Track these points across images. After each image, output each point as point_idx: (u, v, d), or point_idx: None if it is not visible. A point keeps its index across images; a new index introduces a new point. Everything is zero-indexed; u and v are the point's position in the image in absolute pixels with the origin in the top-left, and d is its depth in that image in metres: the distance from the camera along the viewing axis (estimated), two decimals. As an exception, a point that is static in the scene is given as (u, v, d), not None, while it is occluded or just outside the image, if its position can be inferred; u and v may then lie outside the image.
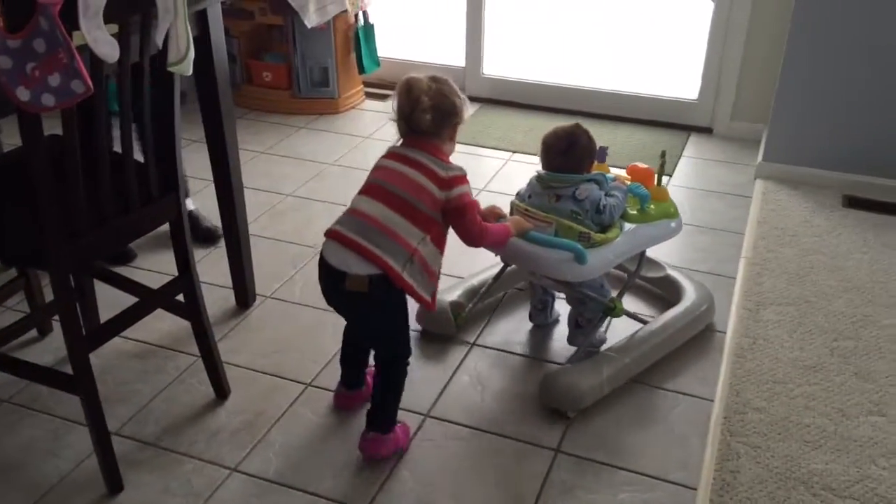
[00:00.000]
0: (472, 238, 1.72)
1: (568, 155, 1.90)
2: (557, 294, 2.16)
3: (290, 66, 3.56)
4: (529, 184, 1.97)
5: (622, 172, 2.11)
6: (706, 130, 3.47)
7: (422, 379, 1.97)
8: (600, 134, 3.34)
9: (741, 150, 3.27)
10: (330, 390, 1.93)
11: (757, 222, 2.72)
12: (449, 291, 2.18)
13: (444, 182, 1.63)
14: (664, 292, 2.30)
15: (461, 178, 1.65)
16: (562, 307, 2.17)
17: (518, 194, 2.00)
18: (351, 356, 1.88)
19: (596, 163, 2.01)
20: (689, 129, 3.48)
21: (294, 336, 2.13)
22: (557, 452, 1.76)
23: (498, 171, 3.11)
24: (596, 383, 1.87)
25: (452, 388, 1.95)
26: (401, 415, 1.80)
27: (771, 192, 2.92)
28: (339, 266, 1.61)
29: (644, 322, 2.10)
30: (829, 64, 2.79)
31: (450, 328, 2.12)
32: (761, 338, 2.13)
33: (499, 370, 2.03)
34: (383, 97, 3.84)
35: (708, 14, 3.30)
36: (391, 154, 1.73)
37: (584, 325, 2.01)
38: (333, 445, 1.78)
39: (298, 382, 1.96)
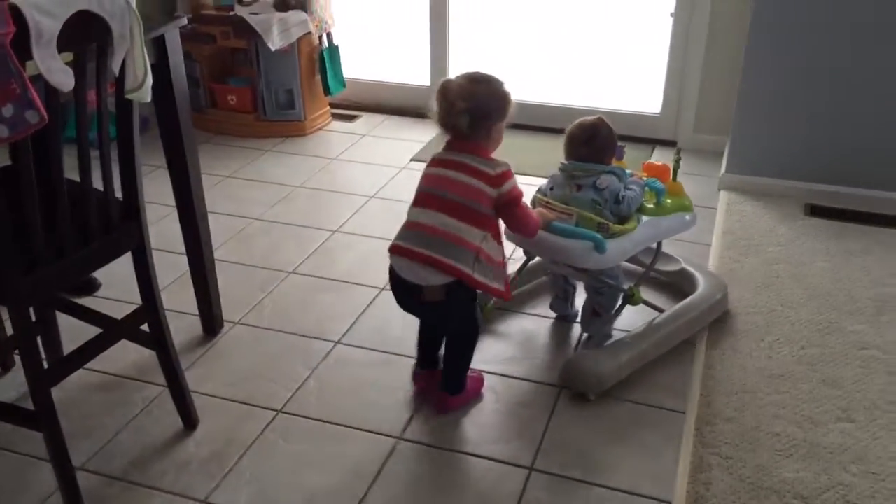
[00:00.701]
0: (527, 226, 1.83)
1: (590, 145, 2.00)
2: (578, 284, 2.26)
3: (254, 90, 3.55)
4: (552, 177, 2.06)
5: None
6: (670, 143, 3.51)
7: (394, 402, 1.95)
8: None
9: (705, 162, 3.31)
10: (301, 416, 1.91)
11: (722, 233, 2.75)
12: None
13: (494, 179, 1.72)
14: (681, 284, 2.38)
15: (508, 172, 1.74)
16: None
17: (539, 189, 2.08)
18: (428, 340, 1.98)
19: (615, 160, 2.09)
20: (654, 142, 3.52)
21: (263, 362, 2.10)
22: (531, 471, 1.76)
23: (466, 189, 3.11)
24: (615, 367, 1.97)
25: (424, 410, 1.93)
26: (370, 439, 1.78)
27: (735, 202, 2.96)
28: (415, 281, 1.73)
29: (660, 310, 2.18)
30: (786, 76, 2.84)
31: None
32: (730, 348, 2.15)
33: (471, 389, 2.02)
34: (350, 118, 3.84)
35: (668, 28, 3.36)
36: (436, 161, 1.81)
37: (602, 314, 2.10)
38: (305, 473, 1.75)
39: (269, 409, 1.93)
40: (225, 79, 3.63)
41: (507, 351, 2.16)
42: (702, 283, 2.29)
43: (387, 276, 2.19)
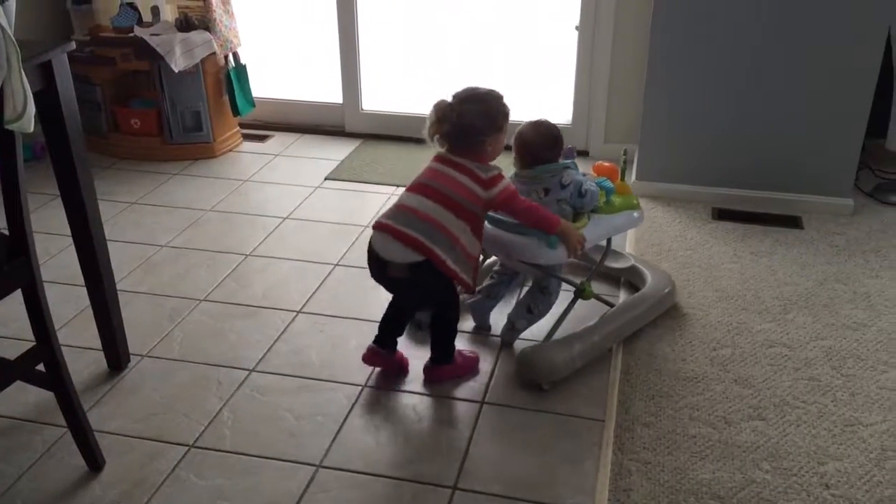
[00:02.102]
0: (529, 213, 1.93)
1: (553, 149, 2.10)
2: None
3: (159, 112, 3.44)
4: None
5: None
6: (583, 153, 3.57)
7: (313, 429, 1.90)
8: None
9: (616, 171, 3.37)
10: (215, 450, 1.83)
11: (635, 240, 2.80)
12: None
13: (485, 182, 1.90)
14: (632, 280, 2.47)
15: (499, 176, 1.91)
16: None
17: None
18: (390, 318, 2.07)
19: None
20: (566, 152, 3.56)
21: (173, 396, 2.02)
22: (455, 490, 1.73)
23: (383, 205, 3.08)
24: (568, 357, 2.04)
25: (344, 435, 1.89)
26: (288, 468, 1.73)
27: (646, 209, 3.02)
28: (383, 255, 1.89)
29: (611, 305, 2.27)
30: (688, 85, 2.93)
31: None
32: (646, 353, 2.18)
33: (391, 409, 1.98)
34: (262, 138, 3.77)
35: (574, 41, 3.42)
36: (437, 157, 1.96)
37: (534, 313, 2.18)
38: (220, 509, 1.68)
39: (180, 445, 1.85)
40: (127, 102, 3.51)
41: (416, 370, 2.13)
42: (650, 278, 2.39)
43: (303, 297, 2.26)
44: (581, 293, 2.15)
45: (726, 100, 2.93)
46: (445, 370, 2.06)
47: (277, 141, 3.74)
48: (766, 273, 2.58)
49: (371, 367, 2.11)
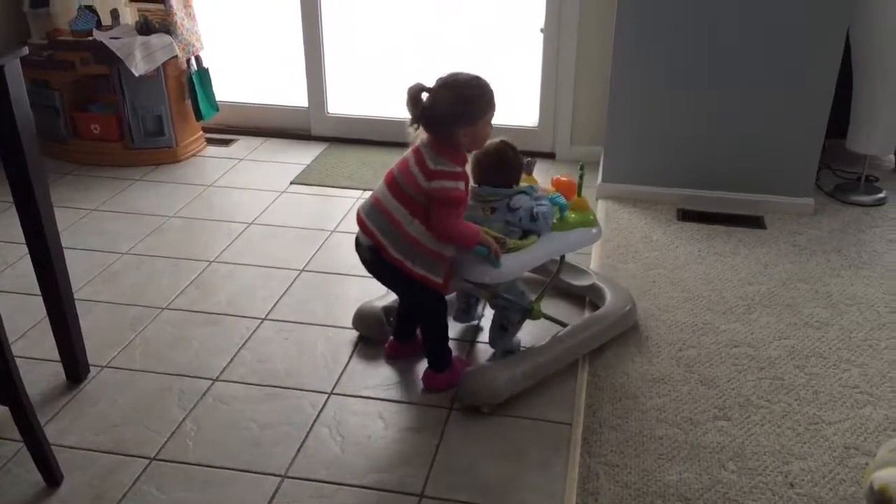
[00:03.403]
0: (437, 228, 1.85)
1: (499, 171, 2.02)
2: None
3: (120, 117, 3.38)
4: None
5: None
6: (550, 156, 3.58)
7: (278, 439, 1.87)
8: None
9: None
10: (178, 462, 1.80)
11: (602, 242, 2.81)
12: (383, 297, 2.27)
13: (429, 173, 1.82)
14: (592, 298, 2.42)
15: (448, 173, 1.82)
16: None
17: None
18: (402, 311, 2.12)
19: (524, 175, 2.10)
20: (533, 155, 3.55)
21: (134, 407, 1.97)
22: (422, 497, 1.72)
23: (349, 210, 3.06)
24: (510, 379, 1.96)
25: (310, 444, 1.86)
26: (253, 480, 1.71)
27: (612, 211, 3.04)
28: (360, 239, 1.94)
29: (563, 324, 2.20)
30: (652, 87, 2.95)
31: (381, 332, 2.20)
32: (613, 355, 2.18)
33: (357, 417, 1.96)
34: (226, 142, 3.72)
35: (539, 44, 3.43)
36: (413, 147, 1.90)
37: (509, 328, 2.11)
38: (183, 522, 1.65)
39: (141, 458, 1.81)
40: (87, 107, 3.44)
41: (394, 375, 2.11)
42: (609, 296, 2.32)
43: (268, 304, 2.36)
44: (529, 313, 2.10)
45: (690, 102, 2.95)
46: (441, 378, 2.03)
47: (242, 145, 3.70)
48: (731, 273, 2.61)
49: (338, 374, 2.09)
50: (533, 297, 2.14)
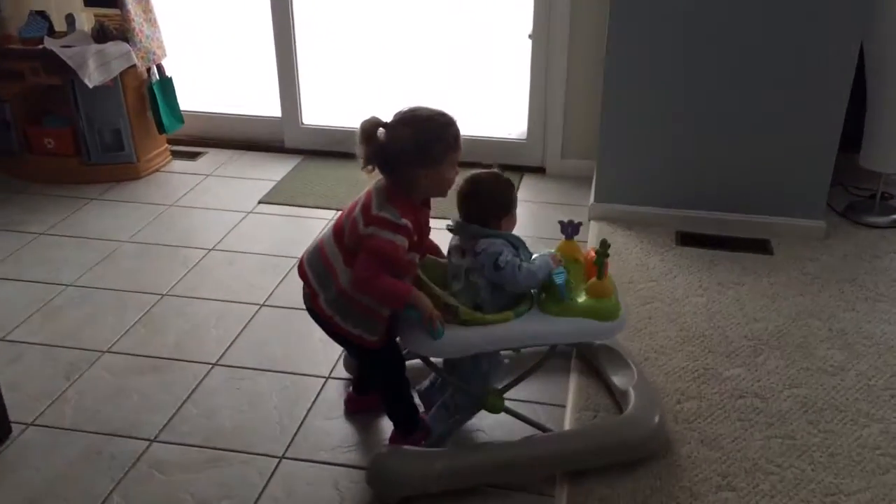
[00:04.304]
0: (355, 274, 1.59)
1: (468, 204, 1.69)
2: None
3: (75, 131, 3.13)
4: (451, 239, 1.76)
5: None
6: (539, 170, 3.34)
7: (216, 514, 1.64)
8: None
9: (575, 189, 3.15)
10: (99, 546, 1.56)
11: (593, 270, 2.57)
12: None
13: (370, 219, 1.59)
14: (619, 399, 1.90)
15: (388, 223, 1.56)
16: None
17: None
18: (357, 364, 1.93)
19: (563, 239, 1.75)
20: (521, 169, 3.34)
21: (57, 476, 1.73)
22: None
23: (319, 233, 2.80)
24: (424, 475, 1.63)
25: (254, 520, 1.63)
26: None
27: (605, 233, 2.80)
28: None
29: (542, 429, 1.81)
30: (647, 102, 2.71)
31: None
32: (603, 408, 1.94)
33: (310, 487, 1.72)
34: (193, 155, 3.48)
35: (528, 51, 3.18)
36: (370, 187, 1.67)
37: (452, 411, 1.78)
38: None
39: (58, 540, 1.58)
40: (40, 120, 3.20)
41: (356, 434, 1.87)
42: (631, 406, 1.81)
43: (221, 346, 2.20)
44: (483, 405, 1.73)
45: (689, 115, 2.70)
46: (410, 442, 1.76)
47: (210, 159, 3.45)
48: (734, 307, 2.37)
49: (292, 433, 1.86)
50: (500, 385, 1.76)
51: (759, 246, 2.72)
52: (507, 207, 1.70)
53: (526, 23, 3.16)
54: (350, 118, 3.44)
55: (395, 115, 1.62)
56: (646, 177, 2.83)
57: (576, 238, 1.76)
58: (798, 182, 2.74)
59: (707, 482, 1.72)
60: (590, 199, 2.96)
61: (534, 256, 1.70)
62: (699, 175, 2.79)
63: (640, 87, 2.69)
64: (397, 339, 1.72)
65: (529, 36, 3.15)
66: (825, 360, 2.13)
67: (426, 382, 1.88)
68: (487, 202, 1.69)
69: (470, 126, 3.45)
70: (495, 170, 1.74)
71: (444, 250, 1.77)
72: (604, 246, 1.65)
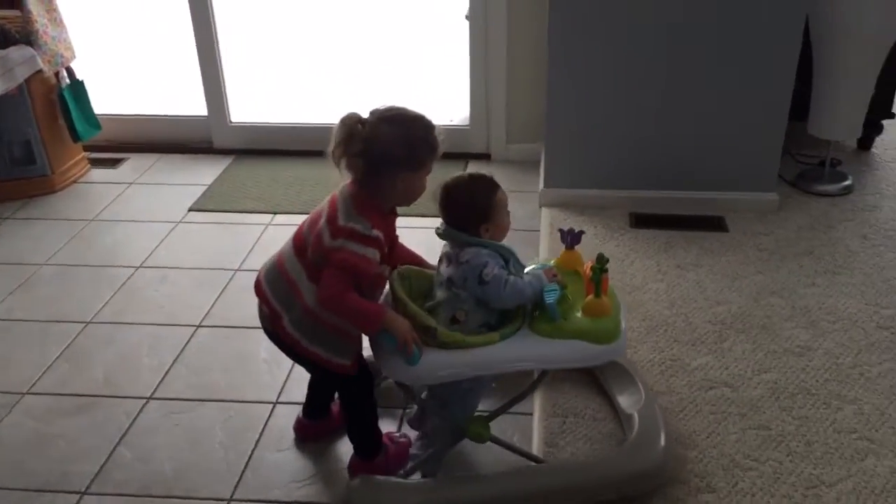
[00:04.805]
0: (321, 291, 1.46)
1: (446, 212, 1.55)
2: None
3: (-21, 145, 2.87)
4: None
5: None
6: (484, 157, 3.21)
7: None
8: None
9: (523, 175, 3.03)
10: None
11: (547, 259, 2.46)
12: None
13: (337, 230, 1.45)
14: (623, 422, 1.75)
15: (359, 235, 1.44)
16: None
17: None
18: (316, 383, 1.76)
19: (564, 249, 1.63)
20: (466, 157, 3.20)
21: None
22: None
23: (257, 241, 2.63)
24: None
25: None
26: None
27: (557, 220, 2.69)
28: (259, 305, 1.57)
29: (535, 459, 1.66)
30: (594, 80, 2.60)
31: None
32: (571, 413, 1.84)
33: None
34: (114, 163, 3.24)
35: (466, 32, 3.04)
36: (333, 193, 1.54)
37: (435, 442, 1.65)
38: None
39: None
40: (-61, 134, 2.92)
41: (312, 465, 1.72)
42: (634, 435, 1.66)
43: (156, 376, 2.03)
44: (465, 433, 1.58)
45: (637, 93, 2.60)
46: (372, 467, 1.63)
47: (133, 165, 3.22)
48: (696, 291, 2.29)
49: (240, 470, 1.70)
50: (486, 413, 1.62)
51: (714, 223, 2.65)
52: (484, 216, 1.52)
53: (462, 2, 3.00)
54: (281, 113, 3.29)
55: (375, 112, 1.48)
56: (595, 159, 2.73)
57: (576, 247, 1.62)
58: (749, 155, 2.67)
59: (685, 485, 1.63)
60: (539, 184, 2.85)
61: (527, 269, 1.56)
62: (650, 154, 2.70)
63: (585, 66, 2.58)
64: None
65: (466, 16, 3.01)
66: (791, 340, 2.07)
67: (416, 409, 1.72)
68: (465, 210, 1.53)
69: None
70: (474, 172, 1.59)
71: (436, 256, 1.60)
72: (601, 260, 1.49)
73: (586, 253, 1.67)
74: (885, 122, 3.15)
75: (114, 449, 1.77)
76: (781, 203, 2.74)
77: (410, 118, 1.49)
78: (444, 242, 1.58)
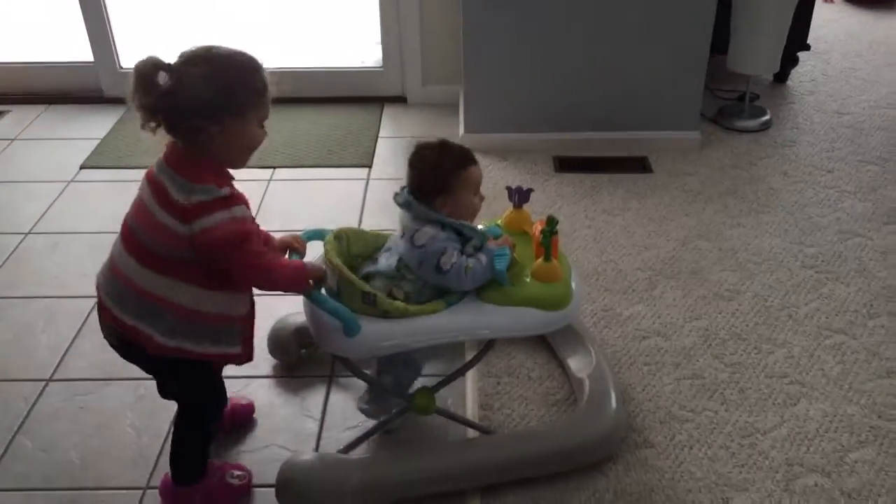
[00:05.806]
0: (242, 281, 1.32)
1: (412, 167, 1.44)
2: None
3: None
4: None
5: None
6: (400, 100, 3.06)
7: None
8: (283, 121, 2.79)
9: (442, 119, 2.90)
10: None
11: (473, 210, 2.37)
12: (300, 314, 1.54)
13: (184, 212, 1.22)
14: (575, 389, 1.68)
15: (214, 203, 1.22)
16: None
17: None
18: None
19: (511, 207, 1.55)
20: (381, 100, 3.04)
21: None
22: None
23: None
24: (339, 488, 1.39)
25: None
26: None
27: (481, 167, 2.58)
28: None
29: (485, 430, 1.59)
30: (511, 21, 2.47)
31: (292, 355, 1.75)
32: (505, 373, 1.78)
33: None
34: (-4, 115, 2.93)
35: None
36: (147, 174, 1.30)
37: (390, 390, 1.53)
38: None
39: None
40: None
41: (231, 449, 1.61)
42: (584, 401, 1.59)
43: (55, 356, 1.86)
44: (411, 405, 1.50)
45: (556, 32, 2.50)
46: (179, 496, 1.45)
47: (15, 118, 2.92)
48: (624, 237, 2.25)
49: (155, 457, 1.57)
50: (431, 384, 1.54)
51: (638, 164, 2.62)
52: (444, 186, 1.40)
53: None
54: (174, 54, 3.02)
55: (183, 55, 1.24)
56: (516, 101, 2.63)
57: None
58: (671, 93, 2.63)
59: (624, 441, 1.60)
60: (459, 129, 2.73)
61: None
62: (572, 95, 2.61)
63: (503, 4, 2.44)
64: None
65: (375, -51, 2.81)
66: (720, 284, 2.06)
67: (365, 396, 1.59)
68: (428, 173, 1.42)
69: (319, 58, 3.14)
70: (453, 142, 1.46)
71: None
72: (551, 223, 1.39)
73: (508, 206, 1.59)
74: (800, 55, 3.16)
75: (12, 438, 1.60)
76: (704, 141, 2.72)
77: (224, 56, 1.25)
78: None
